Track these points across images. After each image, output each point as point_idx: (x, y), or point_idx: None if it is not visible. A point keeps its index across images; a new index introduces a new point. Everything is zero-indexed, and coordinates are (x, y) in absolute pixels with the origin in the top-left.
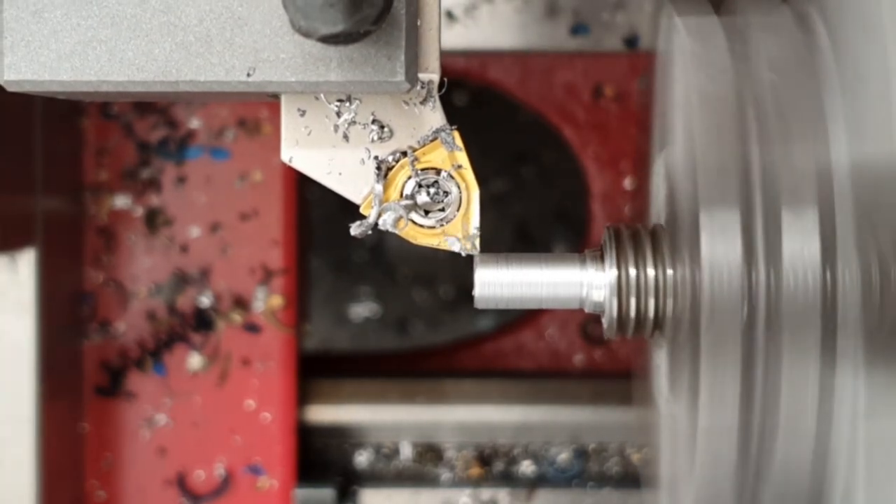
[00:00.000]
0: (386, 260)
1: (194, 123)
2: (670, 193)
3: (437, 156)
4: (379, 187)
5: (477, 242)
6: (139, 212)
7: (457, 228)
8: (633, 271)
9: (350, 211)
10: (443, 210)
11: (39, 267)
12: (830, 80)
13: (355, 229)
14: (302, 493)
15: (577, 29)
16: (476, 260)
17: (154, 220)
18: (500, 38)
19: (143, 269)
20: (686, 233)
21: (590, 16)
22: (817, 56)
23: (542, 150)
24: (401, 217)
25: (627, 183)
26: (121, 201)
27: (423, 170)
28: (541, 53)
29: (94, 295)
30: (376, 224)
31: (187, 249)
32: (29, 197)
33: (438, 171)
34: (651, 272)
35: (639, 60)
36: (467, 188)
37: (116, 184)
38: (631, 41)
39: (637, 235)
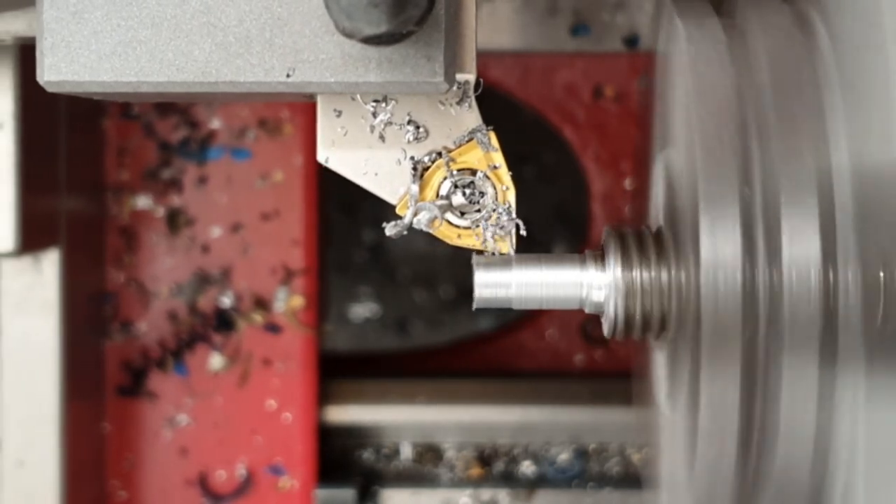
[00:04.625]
0: (386, 260)
1: (215, 124)
2: (670, 193)
3: (472, 156)
4: (415, 188)
5: (514, 243)
6: (160, 212)
7: (492, 228)
8: (633, 272)
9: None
10: (479, 211)
11: (63, 267)
12: (830, 80)
13: (390, 229)
14: (323, 493)
15: (577, 29)
16: (475, 261)
17: (175, 220)
18: (500, 38)
19: (165, 269)
20: (686, 233)
21: (590, 16)
22: (817, 56)
23: (542, 150)
24: (436, 217)
25: (627, 183)
26: (142, 201)
27: (458, 170)
28: (541, 53)
29: (115, 295)
30: (411, 225)
31: (208, 249)
32: (53, 197)
33: (474, 172)
34: (651, 273)
35: (639, 60)
36: (504, 189)
37: (138, 184)
38: (631, 41)
39: (637, 236)
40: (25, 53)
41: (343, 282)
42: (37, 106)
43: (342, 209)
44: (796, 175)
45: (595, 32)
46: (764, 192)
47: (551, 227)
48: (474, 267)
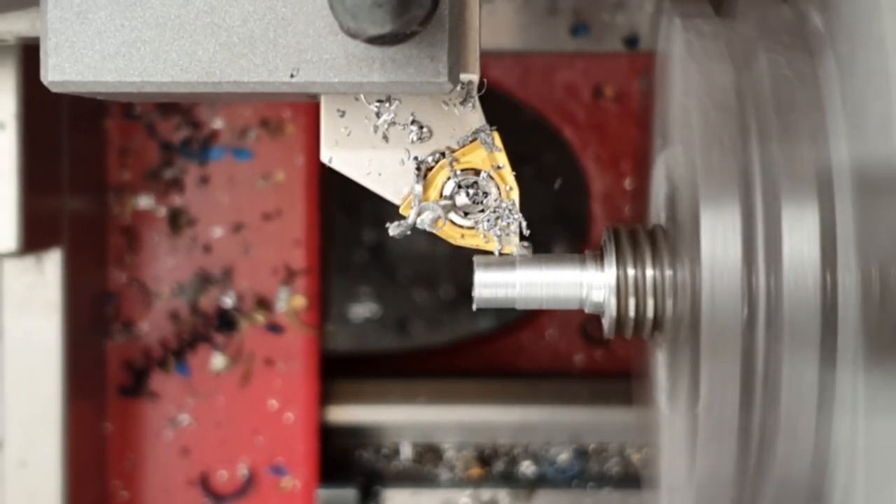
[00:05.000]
0: (386, 260)
1: (217, 124)
2: (670, 193)
3: (476, 156)
4: (419, 188)
5: (518, 242)
6: (162, 212)
7: (496, 228)
8: (632, 272)
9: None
10: (482, 211)
11: (65, 267)
12: (831, 80)
13: (394, 230)
14: (324, 493)
15: (577, 29)
16: (475, 261)
17: (177, 220)
18: (500, 38)
19: (166, 269)
20: (686, 233)
21: (590, 16)
22: (817, 56)
23: (542, 150)
24: (439, 217)
25: (627, 183)
26: (144, 201)
27: (462, 170)
28: (541, 53)
29: (117, 295)
30: (415, 225)
31: (210, 249)
32: (56, 197)
33: (478, 172)
34: (651, 272)
35: (639, 60)
36: (507, 189)
37: (139, 184)
38: (631, 41)
39: (637, 236)
40: (28, 53)
41: (343, 282)
42: (39, 106)
43: (342, 209)
44: (796, 175)
45: (595, 32)
46: (764, 192)
47: (551, 227)
48: (474, 267)
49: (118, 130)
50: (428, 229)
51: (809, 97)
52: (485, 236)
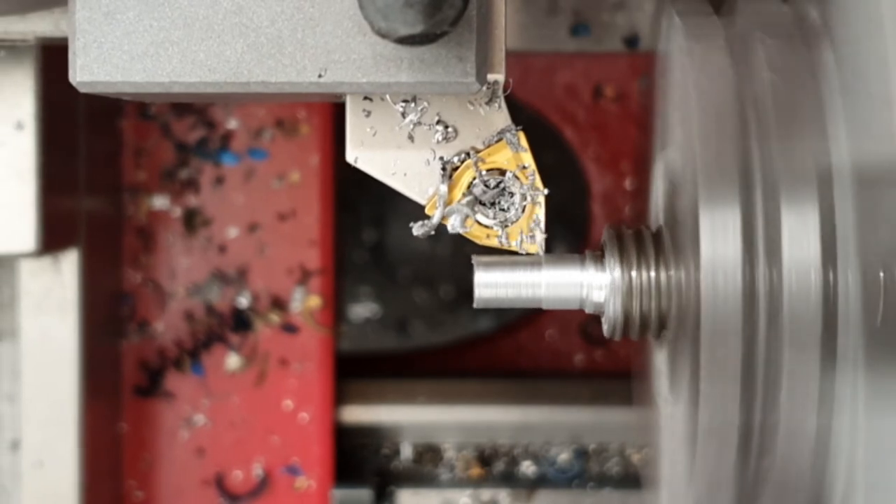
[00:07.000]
0: (386, 260)
1: (232, 124)
2: (670, 194)
3: (501, 156)
4: (444, 188)
5: (542, 243)
6: (177, 212)
7: (521, 229)
8: (633, 272)
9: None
10: (506, 210)
11: (82, 267)
12: (830, 79)
13: (417, 229)
14: (339, 493)
15: (577, 29)
16: (475, 261)
17: (192, 220)
18: None
19: (182, 269)
20: (686, 233)
21: (590, 16)
22: (817, 56)
23: (542, 150)
24: (468, 216)
25: (627, 183)
26: (159, 202)
27: (487, 170)
28: (541, 53)
29: (132, 295)
30: (439, 224)
31: (225, 250)
32: (73, 198)
33: (503, 172)
34: (651, 273)
35: (639, 60)
36: (532, 189)
37: (155, 184)
38: (631, 41)
39: (637, 236)
40: (46, 54)
41: (343, 282)
42: (57, 106)
43: (342, 209)
44: (796, 175)
45: (595, 32)
46: (764, 192)
47: (551, 227)
48: (475, 267)
49: (133, 131)
50: (459, 231)
51: (809, 95)
52: (506, 236)
